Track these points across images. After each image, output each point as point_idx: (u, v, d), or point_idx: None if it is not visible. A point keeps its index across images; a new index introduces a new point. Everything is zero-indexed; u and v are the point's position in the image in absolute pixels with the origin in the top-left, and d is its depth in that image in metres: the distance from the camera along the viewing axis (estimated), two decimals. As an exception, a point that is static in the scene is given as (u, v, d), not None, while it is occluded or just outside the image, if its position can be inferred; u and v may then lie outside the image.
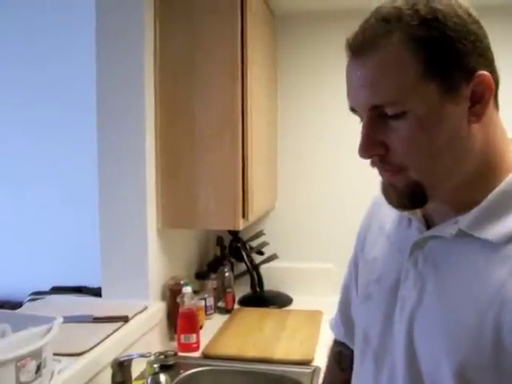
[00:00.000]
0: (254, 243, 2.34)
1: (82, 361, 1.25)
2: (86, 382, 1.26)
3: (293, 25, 2.34)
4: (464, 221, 0.69)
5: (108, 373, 1.32)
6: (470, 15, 0.67)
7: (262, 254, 2.32)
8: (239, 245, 2.28)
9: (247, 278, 2.27)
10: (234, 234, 2.29)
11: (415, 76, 0.65)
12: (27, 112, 2.47)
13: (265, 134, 2.07)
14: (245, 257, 2.26)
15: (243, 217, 1.75)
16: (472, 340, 0.64)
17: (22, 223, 2.51)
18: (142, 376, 1.46)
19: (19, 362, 0.97)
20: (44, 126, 2.45)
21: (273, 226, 2.41)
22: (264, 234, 2.36)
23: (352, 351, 0.93)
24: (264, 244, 2.32)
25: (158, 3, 1.69)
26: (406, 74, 0.65)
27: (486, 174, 0.70)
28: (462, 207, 0.70)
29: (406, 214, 0.79)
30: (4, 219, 2.53)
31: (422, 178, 0.69)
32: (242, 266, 2.29)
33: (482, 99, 0.67)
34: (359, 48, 0.68)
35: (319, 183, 2.38)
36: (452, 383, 0.66)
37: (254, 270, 2.27)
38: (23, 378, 0.98)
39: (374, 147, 0.69)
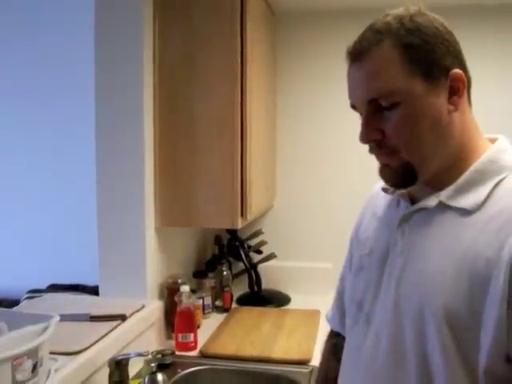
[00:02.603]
0: (253, 242, 2.34)
1: (79, 359, 1.24)
2: (83, 381, 1.25)
3: (293, 23, 2.33)
4: (443, 194, 0.83)
5: (105, 372, 1.31)
6: (444, 27, 0.83)
7: (260, 252, 2.32)
8: (237, 243, 2.28)
9: (245, 276, 2.27)
10: (233, 232, 2.29)
11: (403, 73, 0.80)
12: (29, 109, 2.46)
13: (264, 133, 2.06)
14: (243, 256, 2.26)
15: (242, 215, 1.74)
16: (450, 287, 0.76)
17: (20, 221, 2.50)
18: (139, 375, 1.46)
19: (15, 360, 0.96)
20: (42, 126, 2.45)
21: (271, 224, 2.41)
22: (262, 233, 2.35)
23: None
24: (262, 243, 2.31)
25: (157, 0, 1.68)
26: (395, 72, 0.80)
27: (462, 157, 0.84)
28: (443, 187, 0.83)
29: (395, 195, 0.92)
30: (1, 218, 2.53)
31: (412, 157, 0.82)
32: (240, 265, 2.29)
33: (458, 92, 0.82)
34: (357, 55, 0.83)
35: (318, 182, 2.37)
36: (435, 329, 0.76)
37: (252, 268, 2.27)
38: (19, 377, 0.97)
39: (372, 133, 0.83)
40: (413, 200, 0.89)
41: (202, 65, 1.69)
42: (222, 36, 1.67)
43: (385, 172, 0.86)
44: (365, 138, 0.84)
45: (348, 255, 1.08)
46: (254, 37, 1.78)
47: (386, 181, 0.88)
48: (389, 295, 0.85)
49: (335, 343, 1.12)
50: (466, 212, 0.80)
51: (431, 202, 0.84)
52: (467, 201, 0.80)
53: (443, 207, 0.82)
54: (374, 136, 0.83)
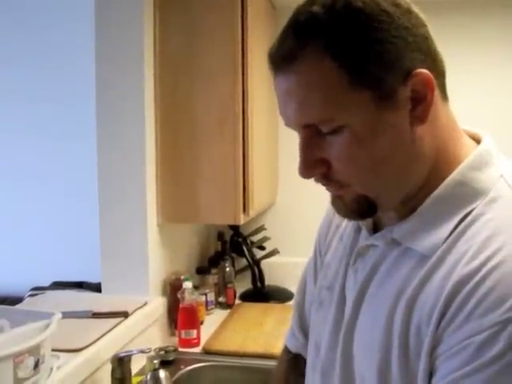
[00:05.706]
0: (255, 238, 2.33)
1: (81, 357, 1.24)
2: (86, 378, 1.25)
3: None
4: (398, 230, 0.66)
5: (108, 369, 1.31)
6: (397, 6, 0.61)
7: (263, 248, 2.31)
8: (240, 240, 2.27)
9: (248, 273, 2.26)
10: (235, 228, 2.28)
11: (342, 88, 0.60)
12: (28, 106, 2.45)
13: (266, 128, 2.05)
14: (246, 252, 2.25)
15: (244, 211, 1.73)
16: (382, 350, 0.63)
17: (23, 218, 2.50)
18: (141, 372, 1.46)
19: (17, 358, 0.96)
20: (42, 122, 2.44)
21: (274, 220, 2.40)
22: (265, 229, 2.34)
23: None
24: (265, 239, 2.31)
25: (158, -5, 1.67)
26: (332, 87, 0.60)
27: (434, 174, 0.65)
28: (408, 213, 0.67)
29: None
30: (4, 214, 2.53)
31: (368, 192, 0.65)
32: (243, 261, 2.28)
33: (424, 99, 0.61)
34: (279, 61, 0.64)
35: (321, 178, 2.36)
36: None
37: (254, 264, 2.26)
38: (21, 375, 0.97)
39: (314, 166, 0.66)
40: (378, 223, 0.73)
41: (202, 58, 1.67)
42: (222, 28, 1.65)
43: (337, 203, 0.70)
44: (304, 173, 0.66)
45: (310, 263, 0.92)
46: (255, 29, 1.77)
47: (339, 212, 0.71)
48: (340, 348, 0.71)
49: (295, 356, 0.93)
50: (420, 255, 0.63)
51: (383, 238, 0.68)
52: (423, 242, 0.63)
53: (398, 245, 0.66)
54: (318, 169, 0.66)
